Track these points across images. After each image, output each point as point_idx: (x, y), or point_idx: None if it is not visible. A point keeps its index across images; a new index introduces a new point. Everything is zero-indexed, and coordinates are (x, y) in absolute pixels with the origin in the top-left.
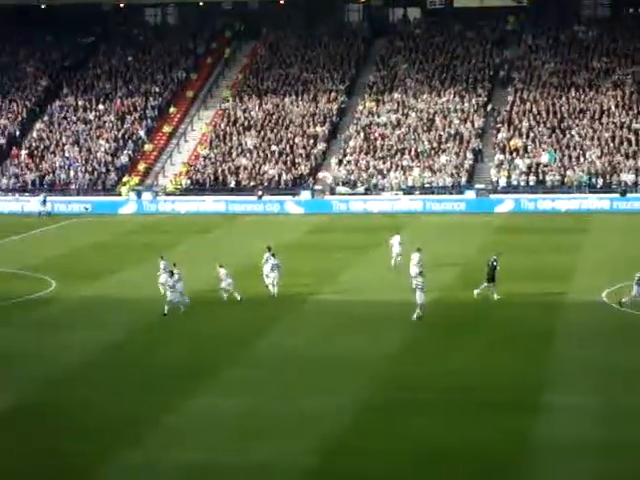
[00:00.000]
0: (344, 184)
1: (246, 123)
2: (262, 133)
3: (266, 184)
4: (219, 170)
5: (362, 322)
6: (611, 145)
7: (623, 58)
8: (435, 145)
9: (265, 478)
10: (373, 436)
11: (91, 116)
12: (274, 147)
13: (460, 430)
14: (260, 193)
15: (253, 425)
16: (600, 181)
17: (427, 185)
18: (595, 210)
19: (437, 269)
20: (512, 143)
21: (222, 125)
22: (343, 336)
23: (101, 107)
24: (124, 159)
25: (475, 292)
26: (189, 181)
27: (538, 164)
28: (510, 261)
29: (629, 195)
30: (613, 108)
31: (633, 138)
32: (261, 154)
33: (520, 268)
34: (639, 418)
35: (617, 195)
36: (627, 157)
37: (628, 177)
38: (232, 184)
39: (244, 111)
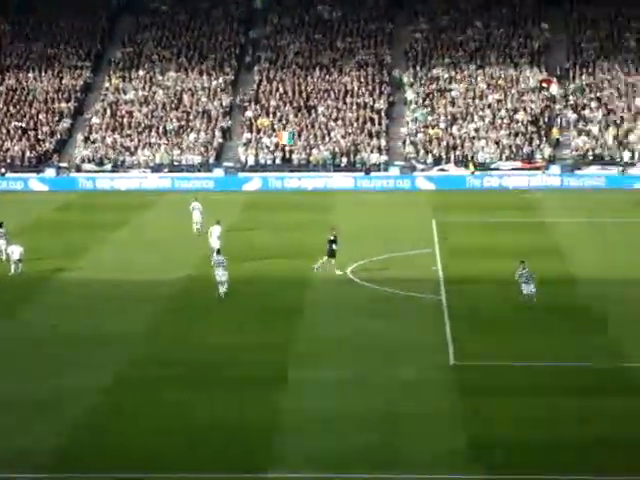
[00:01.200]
0: (90, 161)
1: None
2: (4, 109)
3: (9, 161)
4: None
5: (110, 301)
6: (355, 125)
7: (366, 39)
8: (183, 123)
9: (20, 462)
10: (130, 413)
11: None
12: (17, 123)
13: (216, 406)
14: (2, 170)
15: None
16: (344, 160)
17: (176, 163)
18: (340, 188)
19: (186, 247)
20: (259, 122)
21: None
22: (90, 315)
23: None
24: None
25: (314, 267)
26: None
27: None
28: (258, 239)
29: (373, 174)
30: (356, 88)
31: (376, 118)
32: (3, 130)
33: (269, 246)
34: (386, 390)
35: (361, 174)
36: (370, 136)
37: (371, 156)
38: None
39: None
